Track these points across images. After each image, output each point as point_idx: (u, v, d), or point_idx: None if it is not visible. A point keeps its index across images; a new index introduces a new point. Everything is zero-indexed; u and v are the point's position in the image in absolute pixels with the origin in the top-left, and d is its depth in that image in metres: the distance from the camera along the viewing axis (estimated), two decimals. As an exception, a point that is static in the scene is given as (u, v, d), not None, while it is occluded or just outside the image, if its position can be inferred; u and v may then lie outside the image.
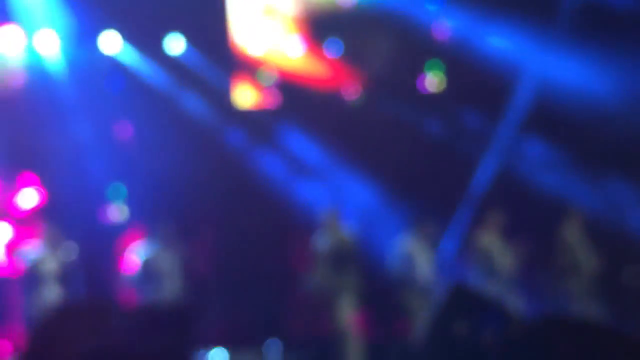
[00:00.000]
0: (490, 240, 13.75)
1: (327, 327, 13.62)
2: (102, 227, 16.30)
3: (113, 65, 16.75)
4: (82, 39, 16.43)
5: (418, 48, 17.78)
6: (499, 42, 16.90)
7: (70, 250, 13.34)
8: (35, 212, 15.19)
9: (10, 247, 14.24)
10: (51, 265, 12.99)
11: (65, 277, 12.99)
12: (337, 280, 13.18)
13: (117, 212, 16.64)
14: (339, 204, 14.63)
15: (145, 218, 15.57)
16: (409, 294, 13.44)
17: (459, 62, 17.15)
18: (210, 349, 13.66)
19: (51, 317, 1.59)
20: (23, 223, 14.62)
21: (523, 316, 1.05)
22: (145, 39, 16.92)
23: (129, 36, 16.69)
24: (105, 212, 16.67)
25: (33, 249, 13.27)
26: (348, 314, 13.19)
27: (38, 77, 16.39)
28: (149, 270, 13.21)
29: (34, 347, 1.53)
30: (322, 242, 13.43)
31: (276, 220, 16.63)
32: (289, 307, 16.10)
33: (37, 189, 15.26)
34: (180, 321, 1.66)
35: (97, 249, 14.69)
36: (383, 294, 15.59)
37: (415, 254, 13.64)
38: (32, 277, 13.24)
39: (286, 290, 16.39)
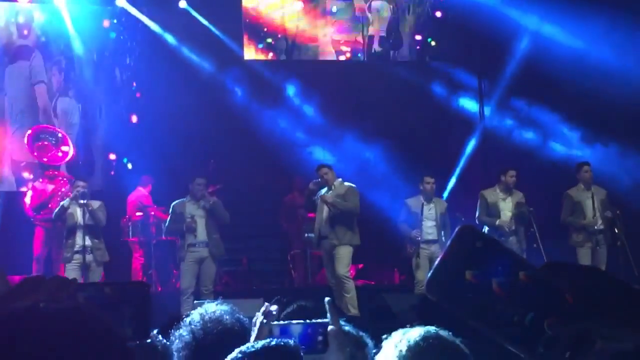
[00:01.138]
0: (497, 197, 13.68)
1: (327, 277, 13.69)
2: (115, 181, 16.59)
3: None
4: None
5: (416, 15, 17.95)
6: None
7: (97, 205, 13.26)
8: (62, 166, 15.40)
9: (41, 198, 14.33)
10: (79, 217, 13.00)
11: (91, 229, 13.02)
12: (335, 233, 13.20)
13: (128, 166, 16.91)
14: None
15: (154, 174, 15.89)
16: (409, 248, 13.73)
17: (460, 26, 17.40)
18: (213, 300, 13.70)
19: (17, 288, 1.67)
20: (53, 177, 14.62)
21: (531, 265, 1.25)
22: (160, 3, 17.19)
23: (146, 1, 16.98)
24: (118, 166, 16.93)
25: (64, 202, 13.31)
26: (346, 265, 13.21)
27: (52, 31, 16.57)
28: (178, 219, 13.28)
29: None
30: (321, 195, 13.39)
31: (280, 176, 16.81)
32: (290, 260, 16.23)
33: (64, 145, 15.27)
34: (139, 294, 1.83)
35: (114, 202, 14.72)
36: (387, 246, 15.85)
37: (419, 209, 13.70)
38: (61, 228, 13.42)
39: (286, 244, 16.70)
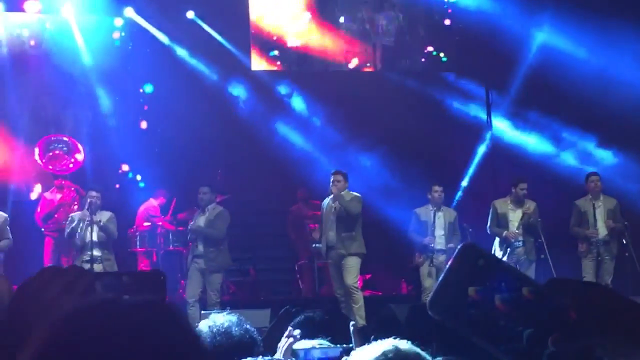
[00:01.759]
0: (507, 208, 13.68)
1: (334, 288, 13.65)
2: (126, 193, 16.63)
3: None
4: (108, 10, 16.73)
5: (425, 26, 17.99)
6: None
7: (107, 217, 13.30)
8: (72, 175, 15.35)
9: (49, 208, 14.40)
10: (90, 230, 13.05)
11: (101, 240, 13.11)
12: (343, 244, 13.20)
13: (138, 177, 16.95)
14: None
15: (164, 185, 15.96)
16: (420, 256, 13.77)
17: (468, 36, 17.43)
18: (220, 310, 13.72)
19: (33, 278, 1.65)
20: (61, 187, 14.64)
21: (534, 281, 1.25)
22: (168, 11, 17.21)
23: (153, 9, 17.00)
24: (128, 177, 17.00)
25: (75, 214, 13.44)
26: (354, 276, 13.22)
27: (58, 43, 16.61)
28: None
29: (16, 305, 1.59)
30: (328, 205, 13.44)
31: (287, 185, 16.80)
32: (297, 270, 16.21)
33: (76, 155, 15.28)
34: (156, 282, 1.81)
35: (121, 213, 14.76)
36: (390, 255, 15.85)
37: (429, 218, 13.75)
38: (72, 240, 13.50)
39: (294, 254, 16.67)
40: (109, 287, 1.76)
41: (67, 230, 13.40)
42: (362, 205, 13.51)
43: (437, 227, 13.81)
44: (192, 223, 13.63)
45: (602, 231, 13.72)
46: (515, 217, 13.73)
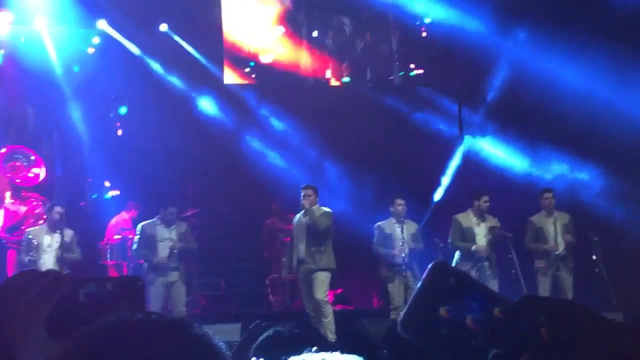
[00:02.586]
0: (471, 222, 13.63)
1: (304, 302, 13.61)
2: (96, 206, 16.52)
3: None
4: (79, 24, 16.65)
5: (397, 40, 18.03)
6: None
7: (69, 232, 13.22)
8: (37, 188, 15.28)
9: (13, 220, 14.34)
10: (51, 245, 12.96)
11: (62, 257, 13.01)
12: (313, 258, 13.21)
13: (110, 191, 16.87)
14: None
15: (135, 198, 15.90)
16: (388, 270, 13.66)
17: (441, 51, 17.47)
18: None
19: (10, 282, 1.64)
20: (25, 199, 14.57)
21: (506, 300, 1.24)
22: (141, 24, 17.14)
23: (126, 21, 16.91)
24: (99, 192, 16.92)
25: (35, 227, 13.36)
26: (324, 290, 13.20)
27: (30, 54, 16.41)
28: (149, 241, 13.30)
29: None
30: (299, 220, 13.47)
31: (260, 199, 16.74)
32: (269, 284, 16.12)
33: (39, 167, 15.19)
34: (135, 288, 1.81)
35: (88, 228, 14.70)
36: (361, 270, 15.83)
37: (393, 231, 13.67)
38: (31, 255, 13.38)
39: (266, 268, 16.56)
40: (92, 294, 1.75)
41: (24, 244, 13.26)
42: (334, 220, 13.53)
43: (402, 239, 13.69)
44: (158, 236, 13.41)
45: (560, 246, 13.78)
46: (480, 231, 13.71)
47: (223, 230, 17.07)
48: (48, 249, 13.09)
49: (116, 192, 16.77)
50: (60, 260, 13.08)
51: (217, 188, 16.98)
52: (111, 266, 15.09)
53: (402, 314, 1.44)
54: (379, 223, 13.96)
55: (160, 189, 15.50)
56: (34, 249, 13.11)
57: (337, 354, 2.81)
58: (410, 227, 13.93)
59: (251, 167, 16.78)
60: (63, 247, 13.08)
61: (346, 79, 18.32)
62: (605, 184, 16.33)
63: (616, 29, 15.96)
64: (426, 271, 1.44)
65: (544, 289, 13.65)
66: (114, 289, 1.78)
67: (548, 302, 1.44)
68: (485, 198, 13.72)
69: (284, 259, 14.80)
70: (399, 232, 13.70)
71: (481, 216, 13.74)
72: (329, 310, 13.22)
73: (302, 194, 13.33)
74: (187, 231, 13.73)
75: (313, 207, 13.32)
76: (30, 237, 13.20)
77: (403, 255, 13.59)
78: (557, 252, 13.70)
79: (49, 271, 1.76)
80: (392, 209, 13.86)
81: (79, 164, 16.46)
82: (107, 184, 16.87)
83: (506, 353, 1.37)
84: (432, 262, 1.44)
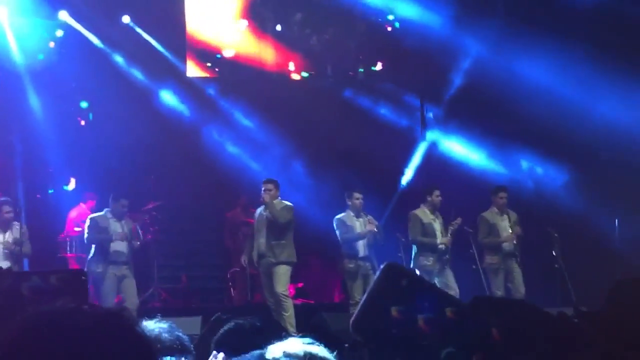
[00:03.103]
0: (429, 217, 13.59)
1: (265, 296, 13.60)
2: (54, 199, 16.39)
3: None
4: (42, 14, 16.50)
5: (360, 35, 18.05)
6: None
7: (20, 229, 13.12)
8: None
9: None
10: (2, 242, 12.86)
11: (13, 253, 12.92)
12: (273, 252, 13.22)
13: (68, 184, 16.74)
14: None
15: (96, 189, 15.78)
16: (348, 263, 13.61)
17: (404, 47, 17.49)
18: (151, 318, 13.56)
19: None
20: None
21: (457, 300, 1.24)
22: (103, 15, 17.02)
23: (88, 12, 16.78)
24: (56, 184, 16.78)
25: None
26: (284, 284, 13.21)
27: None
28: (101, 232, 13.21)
29: None
30: (260, 214, 13.46)
31: (222, 192, 16.79)
32: (230, 278, 16.11)
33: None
34: (78, 282, 1.79)
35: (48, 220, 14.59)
36: (326, 265, 15.82)
37: (353, 225, 13.62)
38: None
39: (227, 262, 16.54)
40: (35, 288, 1.74)
41: None
42: (295, 214, 13.54)
43: (359, 230, 13.66)
44: (109, 228, 13.32)
45: (508, 245, 13.87)
46: (438, 226, 13.76)
47: (184, 223, 17.01)
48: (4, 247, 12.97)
49: (72, 184, 16.63)
50: (11, 255, 12.86)
51: (179, 180, 16.94)
52: (71, 259, 14.99)
53: (354, 314, 1.45)
54: (337, 216, 13.86)
55: (121, 181, 15.40)
56: None
57: (317, 345, 2.82)
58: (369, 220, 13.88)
59: (213, 160, 16.69)
60: (16, 242, 12.93)
61: (307, 74, 18.28)
62: (566, 179, 16.45)
63: (576, 25, 16.07)
64: (378, 272, 1.45)
65: (496, 285, 13.71)
66: (58, 283, 1.77)
67: (499, 303, 1.46)
68: (437, 192, 13.79)
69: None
70: (358, 226, 13.69)
71: (435, 211, 13.78)
72: (289, 304, 13.24)
73: (262, 188, 13.36)
74: (136, 230, 13.68)
75: (274, 201, 13.34)
76: None
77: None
78: (512, 248, 13.78)
79: None
80: (349, 202, 13.81)
81: (40, 155, 16.28)
82: (72, 181, 16.74)
83: (459, 352, 1.38)
84: (384, 264, 1.45)
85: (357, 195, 13.76)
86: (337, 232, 13.76)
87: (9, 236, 12.95)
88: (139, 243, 13.63)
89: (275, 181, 13.58)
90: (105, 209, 13.45)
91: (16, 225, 13.06)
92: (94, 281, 12.70)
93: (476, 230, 13.93)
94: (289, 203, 13.51)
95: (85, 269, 13.05)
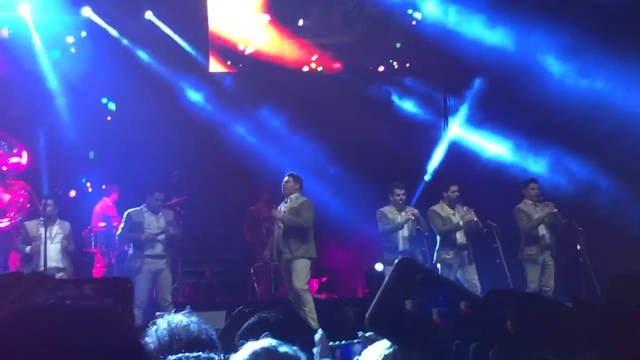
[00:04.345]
0: (447, 211, 13.62)
1: (287, 289, 13.65)
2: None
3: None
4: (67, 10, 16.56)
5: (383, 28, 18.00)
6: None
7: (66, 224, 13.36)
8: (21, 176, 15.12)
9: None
10: (45, 236, 13.06)
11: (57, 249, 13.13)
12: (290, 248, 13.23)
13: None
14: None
15: (121, 185, 15.86)
16: (387, 256, 13.45)
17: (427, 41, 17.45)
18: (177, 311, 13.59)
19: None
20: (8, 187, 14.49)
21: (471, 294, 1.24)
22: (126, 11, 17.08)
23: (110, 8, 16.85)
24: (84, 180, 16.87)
25: (29, 223, 13.38)
26: (302, 279, 13.19)
27: (18, 40, 16.39)
28: (134, 228, 13.35)
29: None
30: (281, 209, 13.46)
31: (246, 187, 16.79)
32: (253, 273, 16.11)
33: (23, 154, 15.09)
34: (118, 288, 1.77)
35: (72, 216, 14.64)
36: (350, 259, 15.82)
37: (394, 218, 13.63)
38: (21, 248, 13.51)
39: (250, 256, 16.53)
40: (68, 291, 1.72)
41: (20, 237, 13.37)
42: (319, 208, 13.53)
43: (403, 227, 13.72)
44: (146, 223, 13.44)
45: (547, 237, 13.86)
46: (456, 220, 13.75)
47: (208, 219, 17.04)
48: (49, 240, 13.09)
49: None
50: (64, 251, 13.19)
51: (202, 175, 16.96)
52: (95, 253, 15.07)
53: (369, 309, 1.45)
54: (381, 209, 13.89)
55: (144, 176, 15.44)
56: (34, 240, 13.17)
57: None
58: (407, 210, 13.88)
59: (236, 155, 16.69)
60: (67, 238, 13.20)
61: (331, 68, 18.25)
62: (591, 173, 16.36)
63: (608, 20, 15.97)
64: (393, 267, 1.45)
65: (533, 276, 13.72)
66: (94, 292, 1.75)
67: (513, 296, 1.46)
68: (454, 188, 13.80)
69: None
70: (399, 219, 13.68)
71: (452, 206, 13.79)
72: (308, 298, 13.22)
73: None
74: (173, 219, 13.73)
75: (292, 196, 13.37)
76: (26, 229, 13.30)
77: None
78: (547, 241, 13.79)
79: (34, 273, 1.77)
80: (391, 198, 13.84)
81: (64, 151, 16.35)
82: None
83: (472, 345, 1.38)
84: (397, 259, 1.46)
85: (397, 191, 13.80)
86: (379, 224, 13.81)
87: (56, 232, 13.10)
88: (177, 232, 13.68)
89: (295, 175, 13.63)
90: (143, 204, 13.56)
91: (64, 222, 13.32)
92: (132, 276, 12.63)
93: (501, 223, 13.88)
94: (307, 198, 13.51)
95: (126, 265, 13.51)
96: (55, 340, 1.41)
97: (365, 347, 3.19)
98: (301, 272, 13.25)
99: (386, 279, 1.47)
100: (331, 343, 3.23)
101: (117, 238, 13.92)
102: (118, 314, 1.52)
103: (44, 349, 1.40)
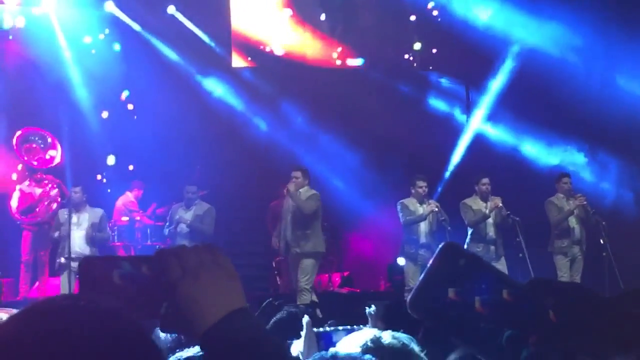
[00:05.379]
0: (479, 205, 13.57)
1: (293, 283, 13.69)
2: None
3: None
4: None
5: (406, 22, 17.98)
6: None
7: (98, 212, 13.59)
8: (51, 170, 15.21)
9: (28, 202, 14.37)
10: (78, 223, 13.28)
11: (87, 236, 13.33)
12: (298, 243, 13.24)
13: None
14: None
15: (145, 178, 15.95)
16: (409, 249, 13.53)
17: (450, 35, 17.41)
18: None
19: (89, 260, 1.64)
20: (40, 181, 14.61)
21: (514, 282, 1.22)
22: (148, 6, 17.14)
23: (133, 5, 16.93)
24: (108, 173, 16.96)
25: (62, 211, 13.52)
26: (308, 277, 13.18)
27: (41, 34, 16.40)
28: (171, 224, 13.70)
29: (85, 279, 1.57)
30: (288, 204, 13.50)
31: (267, 181, 16.72)
32: (275, 266, 16.17)
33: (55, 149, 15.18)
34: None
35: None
36: (372, 254, 15.79)
37: (415, 210, 13.51)
38: (47, 231, 13.65)
39: (272, 250, 16.61)
40: (127, 276, 1.70)
41: (54, 225, 13.56)
42: (339, 202, 13.48)
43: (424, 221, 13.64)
44: (177, 217, 13.62)
45: (578, 230, 13.83)
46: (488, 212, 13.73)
47: (229, 212, 17.04)
48: (75, 227, 13.19)
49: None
50: (90, 239, 13.33)
51: (225, 169, 16.94)
52: (118, 247, 15.12)
53: (411, 293, 1.45)
54: (401, 200, 13.77)
55: (167, 170, 15.51)
56: (62, 226, 13.33)
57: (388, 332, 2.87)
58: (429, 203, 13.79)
59: (258, 149, 16.75)
60: (94, 226, 13.33)
61: (354, 62, 18.24)
62: (614, 168, 16.30)
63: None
64: (436, 252, 1.45)
65: (563, 269, 13.73)
66: (149, 272, 1.73)
67: (556, 285, 1.45)
68: (485, 180, 13.71)
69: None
70: (421, 212, 13.57)
71: (485, 199, 13.73)
72: (307, 297, 13.10)
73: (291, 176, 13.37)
74: (205, 213, 13.78)
75: (300, 190, 13.30)
76: (58, 217, 13.54)
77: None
78: (578, 236, 13.78)
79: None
80: (413, 190, 13.72)
81: (88, 145, 16.40)
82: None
83: (515, 334, 1.38)
84: (442, 243, 1.45)
85: (420, 183, 13.66)
86: (400, 215, 13.66)
87: (82, 219, 13.17)
88: (199, 225, 13.78)
89: (303, 169, 13.57)
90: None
91: (95, 210, 13.51)
92: None
93: (525, 218, 13.83)
94: (315, 192, 13.45)
95: None
96: (69, 341, 1.41)
97: (348, 334, 3.19)
98: (308, 271, 13.23)
99: (429, 263, 1.46)
100: (315, 329, 3.24)
101: (165, 234, 14.22)
102: (130, 317, 1.51)
103: (57, 349, 1.40)
